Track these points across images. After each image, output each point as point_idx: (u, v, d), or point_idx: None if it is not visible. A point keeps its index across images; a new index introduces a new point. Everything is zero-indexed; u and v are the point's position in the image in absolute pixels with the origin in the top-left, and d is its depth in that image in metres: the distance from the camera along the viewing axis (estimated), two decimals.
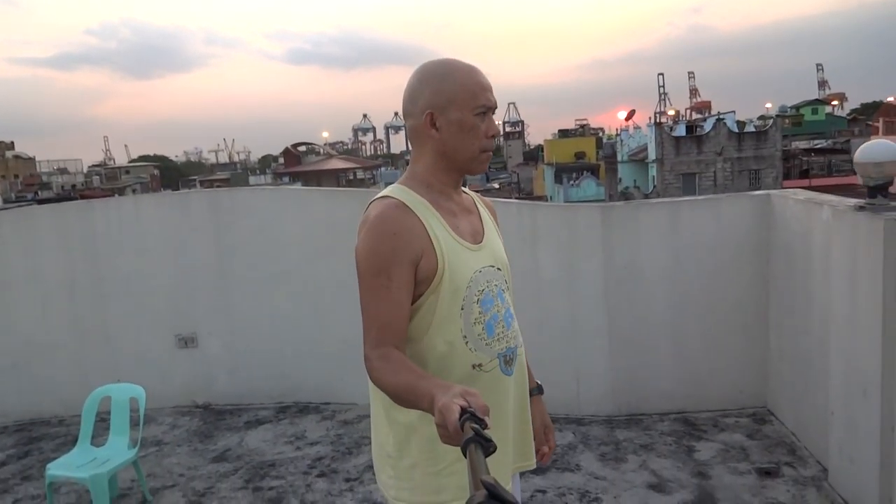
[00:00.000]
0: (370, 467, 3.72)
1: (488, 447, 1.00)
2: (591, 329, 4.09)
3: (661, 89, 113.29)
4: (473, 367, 1.49)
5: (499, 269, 1.59)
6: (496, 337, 1.54)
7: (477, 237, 1.57)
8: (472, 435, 1.01)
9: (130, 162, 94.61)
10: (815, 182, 38.69)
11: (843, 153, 46.74)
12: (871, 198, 2.86)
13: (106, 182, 65.73)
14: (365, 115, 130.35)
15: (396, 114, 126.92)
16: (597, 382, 4.14)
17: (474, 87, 1.49)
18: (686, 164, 32.77)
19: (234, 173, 67.63)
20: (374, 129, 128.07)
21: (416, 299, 1.45)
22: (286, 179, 48.24)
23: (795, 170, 40.21)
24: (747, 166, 32.75)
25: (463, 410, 1.08)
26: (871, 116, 58.41)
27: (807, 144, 50.57)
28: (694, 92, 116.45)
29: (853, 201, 3.05)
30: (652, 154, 33.48)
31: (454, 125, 1.48)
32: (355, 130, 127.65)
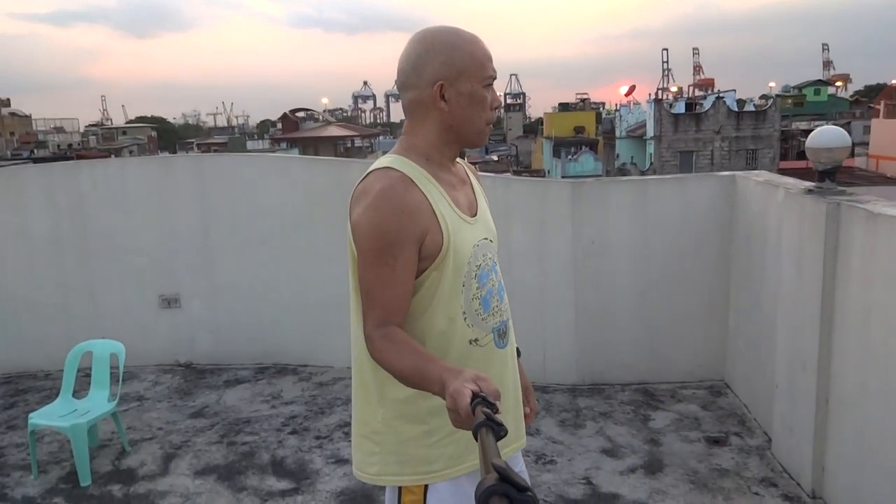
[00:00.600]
0: (341, 426, 3.92)
1: (499, 431, 1.01)
2: (558, 301, 4.24)
3: (665, 65, 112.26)
4: (470, 342, 1.48)
5: (491, 240, 1.57)
6: (491, 312, 1.53)
7: (472, 209, 1.54)
8: (483, 419, 1.02)
9: (127, 123, 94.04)
10: (811, 164, 38.73)
11: None
12: (821, 182, 2.99)
13: (102, 142, 65.48)
14: (365, 83, 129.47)
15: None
16: (562, 353, 4.30)
17: (482, 57, 1.45)
18: (684, 142, 32.73)
19: (231, 138, 67.29)
20: (374, 96, 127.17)
21: (418, 274, 1.42)
22: (284, 145, 48.04)
23: (793, 150, 40.15)
24: (745, 146, 32.72)
25: (474, 395, 1.10)
26: (874, 99, 58.14)
27: (807, 126, 50.41)
28: (698, 69, 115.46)
29: (806, 185, 3.17)
30: (650, 131, 33.41)
31: (464, 97, 1.43)
32: (355, 98, 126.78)
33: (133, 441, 3.78)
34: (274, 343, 4.86)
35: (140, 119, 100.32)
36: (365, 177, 1.46)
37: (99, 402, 3.60)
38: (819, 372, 2.87)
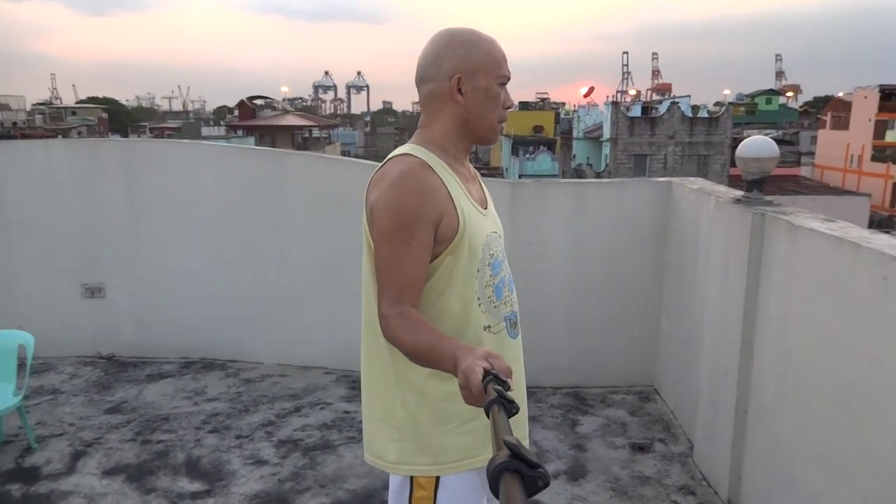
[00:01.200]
0: (264, 425, 3.80)
1: (511, 408, 1.01)
2: None
3: (625, 68, 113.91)
4: (484, 328, 1.52)
5: (500, 235, 1.63)
6: (504, 300, 1.58)
7: (483, 203, 1.61)
8: (495, 396, 1.03)
9: (78, 103, 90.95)
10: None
11: (790, 144, 48.11)
12: (749, 191, 2.99)
13: (50, 122, 63.13)
14: (327, 73, 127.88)
15: (359, 73, 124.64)
16: None
17: (499, 57, 1.53)
18: (639, 146, 33.22)
19: (186, 123, 65.56)
20: (335, 87, 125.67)
21: (433, 258, 1.45)
22: (240, 133, 47.12)
23: None
24: (697, 151, 33.38)
25: (486, 372, 1.11)
26: (822, 110, 60.03)
27: (758, 133, 51.77)
28: (656, 73, 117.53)
29: (737, 194, 3.18)
30: (606, 133, 33.81)
31: (480, 92, 1.50)
32: (316, 87, 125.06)
33: (41, 437, 3.59)
34: (202, 337, 4.69)
35: (91, 99, 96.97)
36: (384, 164, 1.52)
37: (3, 395, 3.40)
38: (739, 381, 2.88)
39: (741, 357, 2.86)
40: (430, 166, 1.47)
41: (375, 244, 1.46)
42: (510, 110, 1.64)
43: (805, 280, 2.43)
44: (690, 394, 3.52)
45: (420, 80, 1.54)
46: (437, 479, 1.53)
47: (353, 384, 4.31)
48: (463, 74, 1.48)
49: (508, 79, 1.55)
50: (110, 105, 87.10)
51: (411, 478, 1.54)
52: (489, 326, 1.53)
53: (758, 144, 2.94)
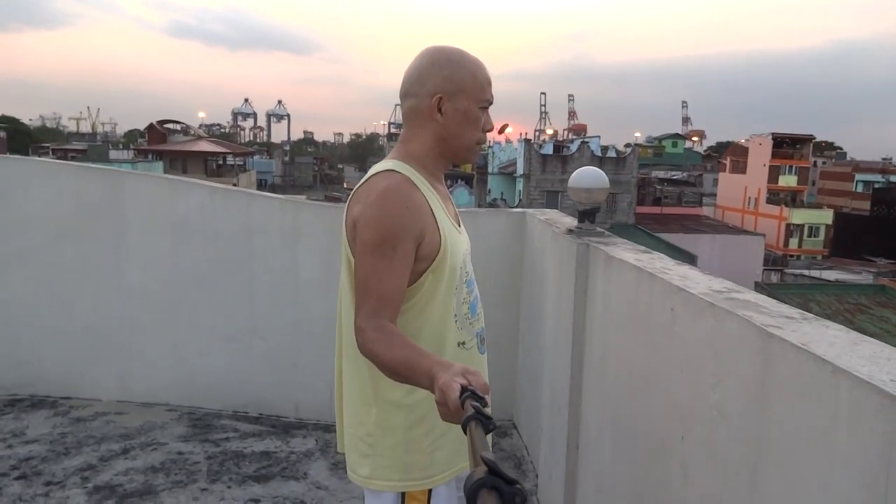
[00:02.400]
0: (81, 470, 3.44)
1: (488, 424, 1.01)
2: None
3: (543, 108, 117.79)
4: (458, 345, 1.55)
5: (469, 254, 1.67)
6: (477, 317, 1.64)
7: (458, 220, 1.64)
8: (472, 412, 1.02)
9: None
10: (666, 210, 41.72)
11: (693, 186, 50.70)
12: (580, 222, 2.96)
13: None
14: (247, 100, 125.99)
15: (280, 102, 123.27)
16: None
17: (483, 80, 1.54)
18: (551, 182, 34.09)
19: (92, 145, 62.86)
20: (255, 114, 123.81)
21: (416, 277, 1.46)
22: (150, 157, 45.43)
23: (650, 197, 43.05)
24: None
25: (463, 389, 1.11)
26: (723, 154, 63.71)
27: (664, 174, 54.39)
28: (572, 114, 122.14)
29: (569, 224, 3.15)
30: (520, 169, 34.58)
31: (460, 113, 1.51)
32: (235, 114, 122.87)
33: None
34: (32, 372, 4.27)
35: None
36: (367, 178, 1.51)
37: None
38: (570, 416, 2.81)
39: (571, 391, 2.79)
40: (414, 184, 1.48)
41: (356, 257, 1.47)
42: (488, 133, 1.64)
43: (618, 311, 2.38)
44: (537, 429, 3.44)
45: (403, 95, 1.55)
46: (430, 490, 1.54)
47: (195, 422, 4.01)
48: (445, 94, 1.50)
49: (490, 103, 1.56)
50: (9, 124, 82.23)
51: (403, 494, 1.54)
52: (463, 343, 1.57)
53: (588, 175, 2.92)
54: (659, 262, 2.25)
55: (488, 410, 1.06)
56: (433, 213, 1.48)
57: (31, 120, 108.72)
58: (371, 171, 1.53)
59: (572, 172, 2.91)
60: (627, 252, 2.45)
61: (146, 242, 4.06)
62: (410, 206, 1.44)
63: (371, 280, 1.42)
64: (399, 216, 1.42)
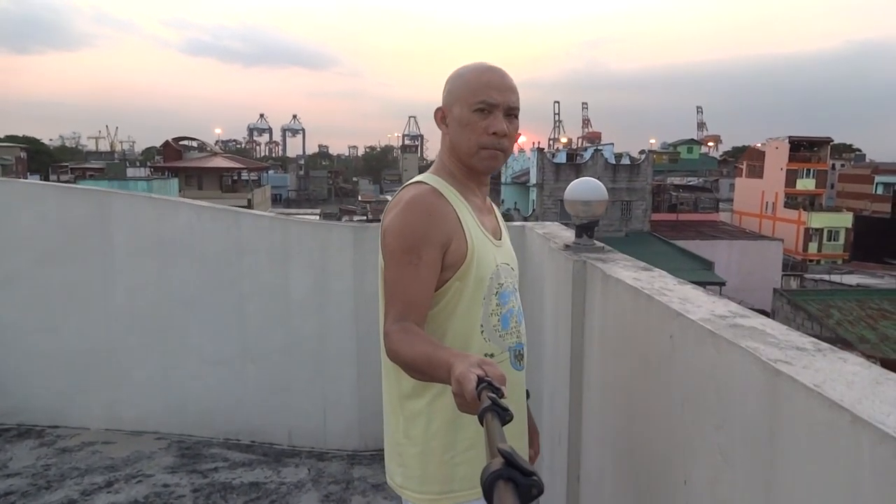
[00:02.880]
0: None
1: (505, 416, 0.98)
2: (339, 355, 3.84)
3: (557, 117, 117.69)
4: (485, 356, 1.50)
5: (513, 268, 1.69)
6: (510, 331, 1.61)
7: (497, 234, 1.65)
8: (489, 404, 1.00)
9: None
10: (682, 217, 41.23)
11: (708, 191, 50.15)
12: (578, 237, 2.77)
13: None
14: (262, 115, 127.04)
15: (295, 116, 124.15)
16: (344, 413, 3.89)
17: (476, 84, 1.53)
18: (564, 191, 33.79)
19: (110, 163, 63.56)
20: (270, 129, 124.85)
21: (441, 284, 1.48)
22: (165, 175, 45.78)
23: (665, 203, 42.58)
24: (621, 197, 34.24)
25: (480, 379, 1.09)
26: (739, 159, 63.04)
27: (680, 181, 53.88)
28: (586, 122, 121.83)
29: (568, 239, 2.96)
30: (533, 178, 34.34)
31: (455, 121, 1.55)
32: (251, 130, 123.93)
33: None
34: (19, 400, 4.14)
35: (10, 138, 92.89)
36: (399, 191, 1.57)
37: None
38: (570, 446, 2.61)
39: (570, 418, 2.60)
40: (440, 193, 1.51)
41: (385, 264, 1.50)
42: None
43: (616, 334, 2.19)
44: (539, 457, 3.23)
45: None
46: None
47: (184, 451, 3.85)
48: (445, 107, 1.57)
49: (491, 105, 1.52)
50: (30, 144, 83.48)
51: None
52: (491, 355, 1.54)
53: (585, 186, 2.73)
54: (659, 282, 2.06)
55: (505, 402, 1.02)
56: (460, 220, 1.50)
57: (51, 140, 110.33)
58: (404, 184, 1.60)
59: None
60: (626, 270, 2.25)
61: (133, 264, 3.93)
62: (434, 213, 1.47)
63: (397, 286, 1.45)
64: (423, 223, 1.45)
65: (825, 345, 1.38)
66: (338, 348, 3.84)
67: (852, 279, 30.02)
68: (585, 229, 2.75)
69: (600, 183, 2.75)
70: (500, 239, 1.65)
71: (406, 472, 1.56)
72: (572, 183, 2.76)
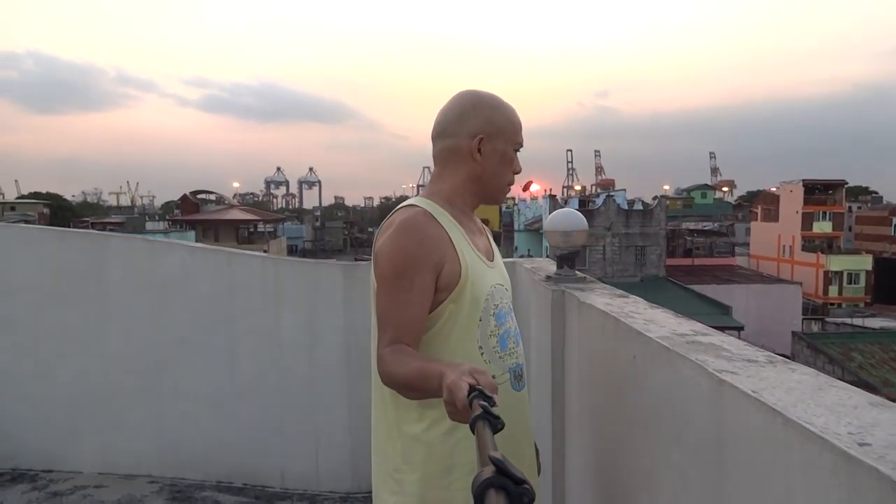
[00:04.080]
0: None
1: (496, 424, 0.98)
2: (331, 396, 3.81)
3: (570, 165, 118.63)
4: None
5: (507, 289, 1.68)
6: (508, 351, 1.60)
7: (490, 256, 1.64)
8: (480, 412, 1.00)
9: (19, 198, 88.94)
10: (698, 261, 40.94)
11: (724, 235, 49.89)
12: (559, 268, 2.77)
13: None
14: (279, 169, 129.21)
15: (311, 169, 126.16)
16: (336, 455, 3.84)
17: (517, 124, 1.60)
18: None
19: (129, 217, 64.71)
20: (287, 182, 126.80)
21: (435, 306, 1.47)
22: (183, 228, 46.50)
23: (680, 248, 42.37)
24: (634, 242, 34.13)
25: (471, 388, 1.09)
26: (753, 203, 62.85)
27: (695, 225, 53.71)
28: (599, 169, 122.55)
29: (550, 271, 2.95)
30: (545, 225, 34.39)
31: (497, 154, 1.55)
32: (267, 183, 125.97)
33: None
34: (14, 444, 4.14)
35: (34, 195, 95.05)
36: (391, 214, 1.56)
37: None
38: (554, 479, 2.55)
39: (553, 451, 2.54)
40: (432, 215, 1.50)
41: (377, 289, 1.48)
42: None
43: (590, 360, 2.16)
44: None
45: (438, 135, 1.58)
46: None
47: (175, 495, 3.80)
48: (485, 135, 1.54)
49: (521, 146, 1.62)
50: (53, 200, 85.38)
51: None
52: (493, 377, 1.43)
53: (565, 218, 2.73)
54: (630, 306, 2.04)
55: (496, 410, 1.02)
56: (452, 243, 1.49)
57: (73, 196, 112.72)
58: (397, 207, 1.58)
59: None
60: (600, 297, 2.24)
61: (128, 306, 3.96)
62: (426, 236, 1.45)
63: (390, 311, 1.43)
64: (415, 246, 1.44)
65: (779, 358, 1.36)
66: (329, 389, 3.81)
67: (875, 322, 29.43)
68: (566, 260, 2.74)
69: (580, 214, 2.75)
70: (492, 260, 1.65)
71: (402, 500, 1.51)
72: (551, 214, 2.77)
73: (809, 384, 1.15)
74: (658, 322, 1.76)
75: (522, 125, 1.63)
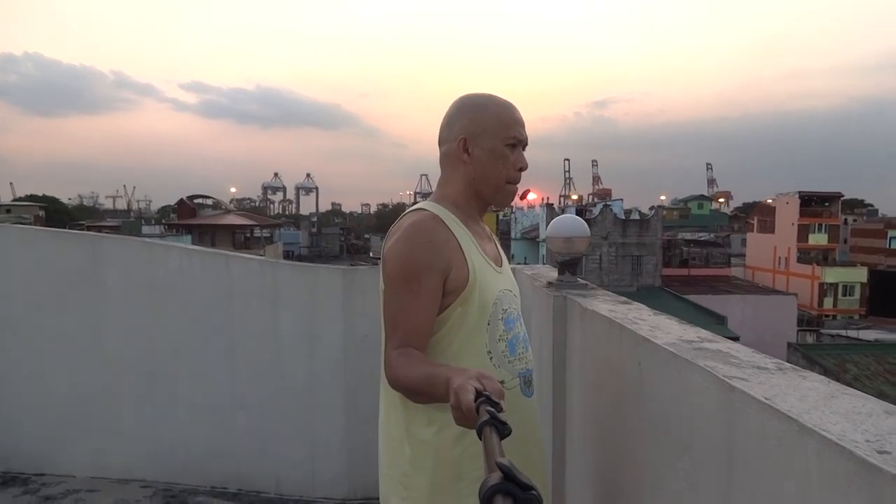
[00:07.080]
0: None
1: (503, 430, 0.97)
2: (328, 402, 3.78)
3: (567, 174, 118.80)
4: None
5: (515, 295, 1.68)
6: (518, 356, 1.60)
7: (498, 261, 1.64)
8: (487, 418, 0.99)
9: (14, 201, 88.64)
10: (694, 271, 40.96)
11: (719, 246, 49.96)
12: (561, 274, 2.75)
13: None
14: (276, 174, 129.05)
15: (309, 175, 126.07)
16: (333, 461, 3.80)
17: (507, 119, 1.57)
18: None
19: (125, 221, 64.47)
20: (284, 188, 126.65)
21: (443, 310, 1.46)
22: (179, 232, 46.39)
23: (676, 258, 42.42)
24: (630, 252, 34.13)
25: (478, 393, 1.08)
26: (749, 214, 63.00)
27: (691, 236, 53.80)
28: (597, 179, 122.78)
29: (551, 277, 2.93)
30: (542, 233, 34.43)
31: (485, 152, 1.54)
32: (265, 188, 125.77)
33: None
34: (7, 447, 4.09)
35: (30, 198, 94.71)
36: (400, 218, 1.56)
37: None
38: (554, 490, 2.52)
39: (554, 461, 2.51)
40: (441, 219, 1.50)
41: (385, 292, 1.49)
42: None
43: (594, 367, 2.14)
44: None
45: (439, 142, 1.61)
46: None
47: (168, 500, 3.76)
48: (469, 136, 1.54)
49: (521, 141, 1.58)
50: (49, 203, 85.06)
51: None
52: (503, 382, 1.48)
53: (567, 223, 2.72)
54: (634, 313, 2.02)
55: (503, 415, 1.01)
56: (461, 247, 1.49)
57: (69, 199, 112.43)
58: (405, 212, 1.58)
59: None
60: (604, 304, 2.22)
61: (124, 309, 3.93)
62: (434, 240, 1.45)
63: (398, 314, 1.44)
64: (423, 250, 1.44)
65: (788, 365, 1.34)
66: (326, 395, 3.78)
67: (870, 334, 29.47)
68: (568, 266, 2.72)
69: (582, 220, 2.73)
70: (501, 266, 1.64)
71: None
72: (554, 220, 2.75)
73: (822, 391, 1.13)
74: (663, 328, 1.74)
75: (524, 121, 1.61)
